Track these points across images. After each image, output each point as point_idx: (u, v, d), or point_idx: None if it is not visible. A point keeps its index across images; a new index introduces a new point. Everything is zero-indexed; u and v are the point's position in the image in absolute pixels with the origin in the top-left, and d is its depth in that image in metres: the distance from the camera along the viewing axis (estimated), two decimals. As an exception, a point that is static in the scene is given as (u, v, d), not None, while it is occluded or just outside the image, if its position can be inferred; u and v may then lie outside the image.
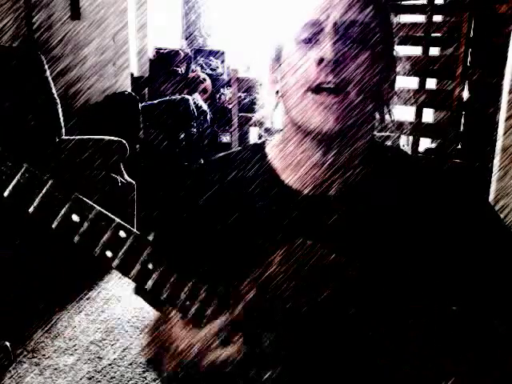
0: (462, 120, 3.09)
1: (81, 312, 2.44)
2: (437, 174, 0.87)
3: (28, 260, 2.32)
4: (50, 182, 0.63)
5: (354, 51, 0.76)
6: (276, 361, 0.71)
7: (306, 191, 0.83)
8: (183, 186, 0.91)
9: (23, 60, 2.93)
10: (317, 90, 0.76)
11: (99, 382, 1.97)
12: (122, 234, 0.65)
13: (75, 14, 3.59)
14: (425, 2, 3.11)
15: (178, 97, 3.98)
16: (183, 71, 4.38)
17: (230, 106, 3.63)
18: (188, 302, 0.68)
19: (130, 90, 3.74)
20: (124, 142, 2.94)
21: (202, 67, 4.59)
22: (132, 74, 3.88)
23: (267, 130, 0.91)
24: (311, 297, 0.72)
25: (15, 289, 2.27)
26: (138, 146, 3.54)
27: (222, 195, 0.85)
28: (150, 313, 2.44)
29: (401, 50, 0.86)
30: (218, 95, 4.55)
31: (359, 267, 0.72)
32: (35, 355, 2.10)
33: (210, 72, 4.57)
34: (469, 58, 2.97)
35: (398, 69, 0.85)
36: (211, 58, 4.64)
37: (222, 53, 4.65)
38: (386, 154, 0.87)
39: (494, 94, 2.51)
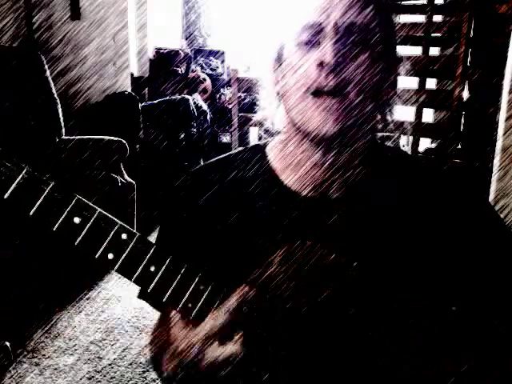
0: (462, 120, 3.09)
1: (81, 312, 2.44)
2: (437, 173, 0.87)
3: (28, 260, 2.32)
4: (50, 185, 0.62)
5: (354, 53, 0.75)
6: (276, 361, 0.71)
7: (305, 192, 0.83)
8: (183, 186, 0.91)
9: (23, 60, 2.93)
10: (316, 92, 0.76)
11: (99, 382, 1.97)
12: (124, 236, 0.65)
13: (75, 13, 3.59)
14: (425, 2, 3.11)
15: (177, 97, 3.98)
16: (183, 71, 4.38)
17: (229, 106, 3.63)
18: (190, 304, 0.68)
19: (129, 89, 3.74)
20: (124, 142, 2.94)
21: (202, 67, 4.59)
22: (132, 74, 3.88)
23: (267, 131, 0.91)
24: (311, 297, 0.72)
25: (15, 289, 2.27)
26: (137, 145, 3.54)
27: (222, 196, 0.85)
28: (150, 313, 2.45)
29: (401, 50, 0.85)
30: (217, 95, 4.55)
31: (359, 267, 0.72)
32: (35, 355, 2.10)
33: (210, 72, 4.58)
34: (469, 58, 2.97)
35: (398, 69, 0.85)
36: (211, 58, 4.64)
37: (222, 53, 4.66)
38: (386, 154, 0.87)
39: (494, 94, 2.51)
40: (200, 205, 0.85)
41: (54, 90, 3.05)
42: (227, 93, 4.44)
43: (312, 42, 0.77)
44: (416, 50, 3.16)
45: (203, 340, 0.67)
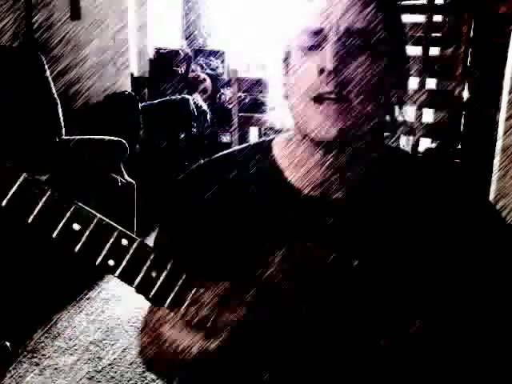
0: (462, 120, 3.09)
1: (81, 312, 2.44)
2: (437, 173, 0.87)
3: (28, 260, 2.32)
4: (49, 191, 0.61)
5: (357, 59, 0.74)
6: (276, 361, 0.71)
7: (309, 191, 0.83)
8: (185, 181, 0.90)
9: (23, 60, 2.93)
10: (318, 98, 0.75)
11: (99, 382, 1.97)
12: (125, 242, 0.64)
13: (75, 13, 3.59)
14: (425, 2, 3.11)
15: (178, 97, 3.98)
16: (183, 71, 4.38)
17: (230, 106, 3.63)
18: (192, 308, 0.67)
19: (130, 90, 3.74)
20: (124, 142, 2.94)
21: (202, 67, 4.59)
22: (132, 74, 3.88)
23: (270, 129, 0.91)
24: (312, 297, 0.72)
25: (15, 289, 2.27)
26: (137, 145, 3.54)
27: (224, 192, 0.84)
28: (150, 313, 2.40)
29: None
30: (218, 95, 4.55)
31: (360, 267, 0.72)
32: (35, 355, 2.10)
33: (210, 72, 4.58)
34: (469, 58, 2.97)
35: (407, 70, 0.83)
36: (211, 58, 4.64)
37: (222, 53, 4.65)
38: (389, 154, 0.87)
39: (494, 94, 2.51)
40: (202, 201, 0.84)
41: (53, 90, 3.05)
42: (227, 93, 4.44)
43: (314, 47, 0.76)
44: (416, 50, 3.16)
45: (201, 341, 0.67)
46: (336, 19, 0.75)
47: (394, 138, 0.86)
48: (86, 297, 2.57)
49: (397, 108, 0.83)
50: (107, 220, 0.64)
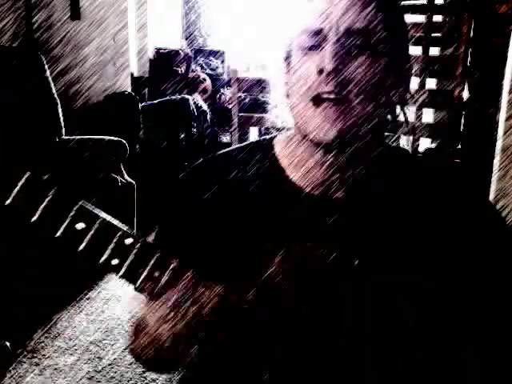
0: (462, 120, 3.09)
1: (81, 312, 2.44)
2: (437, 173, 0.87)
3: (28, 259, 2.32)
4: (53, 190, 0.61)
5: (357, 59, 0.74)
6: (276, 361, 0.71)
7: (309, 190, 0.83)
8: (187, 179, 0.90)
9: (23, 60, 2.93)
10: (317, 98, 0.75)
11: (99, 382, 1.97)
12: (128, 241, 0.64)
13: (75, 13, 3.59)
14: (425, 2, 3.11)
15: (178, 97, 3.98)
16: (183, 71, 4.38)
17: (230, 106, 3.63)
18: (195, 307, 0.67)
19: (130, 89, 3.74)
20: (124, 142, 2.94)
21: (202, 67, 4.59)
22: (132, 74, 3.88)
23: (271, 129, 0.91)
24: (312, 297, 0.72)
25: (15, 289, 2.27)
26: (137, 146, 3.54)
27: (226, 191, 0.84)
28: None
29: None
30: (218, 95, 4.55)
31: (360, 267, 0.72)
32: (35, 355, 2.10)
33: (210, 72, 4.57)
34: (469, 58, 2.97)
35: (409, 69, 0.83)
36: (211, 58, 4.64)
37: (222, 53, 4.65)
38: (389, 154, 0.87)
39: (494, 94, 2.51)
40: (203, 198, 0.84)
41: (54, 90, 3.05)
42: (227, 93, 4.44)
43: (314, 47, 0.76)
44: (416, 50, 3.16)
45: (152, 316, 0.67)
46: (336, 19, 0.74)
47: (394, 138, 0.86)
48: (86, 297, 2.57)
49: (398, 108, 0.83)
50: (111, 219, 0.64)
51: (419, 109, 2.99)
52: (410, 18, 3.30)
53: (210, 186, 0.84)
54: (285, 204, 0.82)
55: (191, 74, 4.44)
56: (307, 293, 0.72)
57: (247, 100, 3.52)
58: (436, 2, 3.11)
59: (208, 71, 4.57)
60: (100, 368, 2.04)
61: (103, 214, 0.64)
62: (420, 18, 3.19)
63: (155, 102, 3.89)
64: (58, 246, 0.63)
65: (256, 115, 3.04)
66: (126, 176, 2.97)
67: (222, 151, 0.92)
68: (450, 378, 0.74)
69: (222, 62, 4.65)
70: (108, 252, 0.63)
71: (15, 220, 0.61)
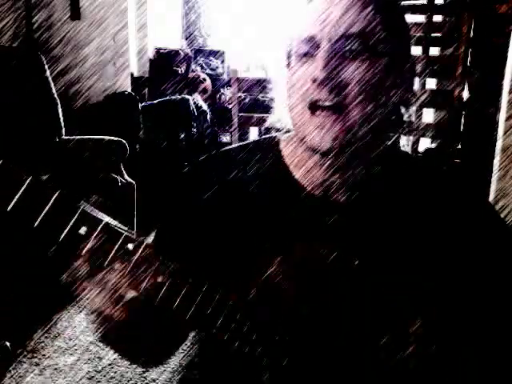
0: (462, 120, 3.09)
1: (81, 312, 2.43)
2: (437, 174, 0.87)
3: (28, 259, 2.32)
4: (55, 195, 0.60)
5: (351, 65, 0.73)
6: (276, 361, 0.71)
7: (312, 191, 0.82)
8: (189, 177, 0.90)
9: (23, 60, 2.93)
10: (313, 106, 0.75)
11: (99, 382, 1.97)
12: (130, 246, 0.64)
13: (75, 13, 3.59)
14: (425, 2, 3.12)
15: (178, 97, 3.98)
16: (183, 71, 4.38)
17: (230, 106, 3.63)
18: (199, 315, 0.67)
19: (130, 89, 3.74)
20: (124, 142, 2.94)
21: (202, 67, 4.59)
22: (132, 74, 3.88)
23: (269, 129, 0.91)
24: (312, 297, 0.72)
25: (15, 289, 2.27)
26: (137, 145, 3.54)
27: (228, 189, 0.84)
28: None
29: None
30: (218, 95, 4.55)
31: (361, 267, 0.72)
32: (35, 355, 2.10)
33: (210, 72, 4.57)
34: (469, 58, 2.97)
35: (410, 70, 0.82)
36: (211, 58, 4.64)
37: (222, 53, 4.65)
38: (388, 154, 0.87)
39: (494, 94, 2.51)
40: (205, 196, 0.84)
41: (54, 90, 3.05)
42: (227, 93, 4.44)
43: (308, 54, 0.76)
44: (416, 50, 3.16)
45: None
46: (328, 26, 0.74)
47: (394, 138, 0.86)
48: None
49: (402, 108, 0.83)
50: (113, 223, 0.64)
51: (419, 109, 2.99)
52: (409, 18, 3.30)
53: (211, 184, 0.84)
54: (285, 204, 0.82)
55: (191, 74, 4.44)
56: (307, 293, 0.72)
57: (247, 100, 3.52)
58: (436, 2, 3.12)
59: (208, 71, 4.57)
60: (100, 368, 2.04)
61: (106, 218, 0.63)
62: (420, 18, 3.19)
63: (155, 102, 3.89)
64: (60, 249, 0.63)
65: (256, 115, 3.04)
66: (125, 176, 2.97)
67: (224, 148, 0.91)
68: (450, 378, 0.74)
69: (222, 62, 4.65)
70: (110, 257, 0.63)
71: (17, 225, 0.61)
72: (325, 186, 0.82)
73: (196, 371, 0.86)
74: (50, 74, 3.05)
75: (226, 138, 4.39)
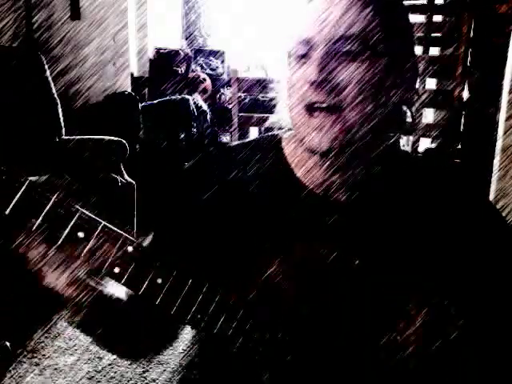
0: (462, 120, 3.09)
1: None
2: (437, 173, 0.87)
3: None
4: (53, 199, 0.60)
5: (347, 66, 0.73)
6: (276, 361, 0.71)
7: (312, 191, 0.82)
8: (189, 174, 0.90)
9: (23, 60, 2.93)
10: (311, 107, 0.75)
11: (99, 382, 1.97)
12: (130, 249, 0.63)
13: (75, 13, 3.59)
14: (425, 2, 3.12)
15: (178, 97, 3.98)
16: (183, 71, 4.38)
17: (230, 106, 3.63)
18: (199, 316, 0.67)
19: (130, 89, 3.74)
20: (124, 142, 2.94)
21: (202, 67, 4.59)
22: (132, 74, 3.88)
23: (269, 129, 0.90)
24: (312, 297, 0.72)
25: (15, 289, 2.27)
26: (137, 145, 3.54)
27: (228, 188, 0.84)
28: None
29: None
30: (218, 95, 4.55)
31: (361, 267, 0.72)
32: (35, 355, 2.10)
33: (210, 72, 4.57)
34: (469, 58, 2.97)
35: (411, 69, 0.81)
36: (211, 58, 4.64)
37: (222, 53, 4.65)
38: (388, 154, 0.87)
39: (494, 94, 2.51)
40: (204, 194, 0.83)
41: (54, 90, 3.05)
42: (227, 93, 4.44)
43: (304, 56, 0.76)
44: (416, 50, 3.15)
45: None
46: (323, 28, 0.74)
47: (394, 138, 0.86)
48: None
49: (403, 108, 0.83)
50: (112, 226, 0.63)
51: (419, 109, 2.99)
52: (410, 18, 3.30)
53: (211, 182, 0.84)
54: (286, 203, 0.82)
55: (191, 74, 4.44)
56: (307, 293, 0.72)
57: (247, 100, 3.53)
58: (436, 2, 3.12)
59: (208, 71, 4.57)
60: (100, 368, 2.04)
61: (104, 222, 0.63)
62: (420, 18, 3.19)
63: (155, 102, 3.89)
64: (59, 253, 0.63)
65: (256, 115, 3.04)
66: (125, 176, 2.97)
67: (225, 146, 0.91)
68: (450, 378, 0.74)
69: (222, 62, 4.65)
70: (109, 260, 0.63)
71: (16, 228, 0.60)
72: (325, 186, 0.82)
73: (196, 371, 0.86)
74: (50, 74, 3.05)
75: (225, 138, 4.39)
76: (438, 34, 3.21)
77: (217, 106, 4.45)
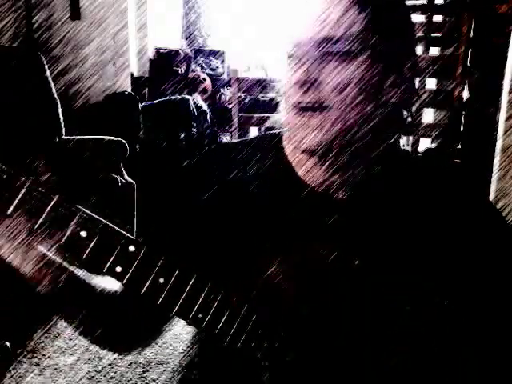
0: (462, 120, 3.09)
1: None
2: (437, 173, 0.87)
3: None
4: (54, 199, 0.60)
5: (337, 67, 0.73)
6: (276, 361, 0.71)
7: (312, 190, 0.82)
8: (189, 171, 0.90)
9: (23, 60, 2.93)
10: (299, 107, 0.75)
11: (99, 382, 1.97)
12: (132, 248, 0.63)
13: (75, 13, 3.59)
14: (425, 2, 3.12)
15: (178, 97, 3.98)
16: (183, 71, 4.38)
17: (230, 106, 3.63)
18: (200, 315, 0.67)
19: (129, 89, 3.74)
20: (124, 142, 2.94)
21: (202, 67, 4.59)
22: (132, 74, 3.88)
23: (269, 129, 0.90)
24: (312, 297, 0.72)
25: (15, 289, 2.27)
26: (137, 145, 3.54)
27: (228, 188, 0.83)
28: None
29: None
30: (218, 95, 4.55)
31: (361, 267, 0.72)
32: (35, 355, 2.10)
33: (210, 72, 4.57)
34: (469, 58, 2.97)
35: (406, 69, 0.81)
36: (211, 58, 4.64)
37: (222, 53, 4.65)
38: (388, 154, 0.87)
39: (494, 94, 2.52)
40: (203, 193, 0.83)
41: (54, 90, 3.05)
42: (227, 93, 4.44)
43: (293, 56, 0.76)
44: (416, 50, 3.15)
45: None
46: (313, 29, 0.74)
47: (393, 138, 0.86)
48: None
49: (405, 108, 0.82)
50: (113, 226, 0.63)
51: (419, 109, 2.99)
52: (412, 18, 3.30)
53: (211, 180, 0.84)
54: (286, 202, 0.82)
55: (191, 74, 4.44)
56: (307, 293, 0.72)
57: (247, 100, 3.53)
58: (436, 2, 3.12)
59: (208, 71, 4.57)
60: (100, 368, 2.04)
61: (105, 221, 0.63)
62: (420, 18, 3.19)
63: (155, 102, 3.89)
64: (60, 254, 0.62)
65: (256, 115, 3.04)
66: (125, 176, 2.96)
67: (226, 143, 0.91)
68: (450, 378, 0.74)
69: (222, 62, 4.65)
70: (111, 260, 0.63)
71: (17, 229, 0.60)
72: (325, 186, 0.82)
73: (196, 371, 0.86)
74: (50, 74, 3.05)
75: (226, 138, 4.39)
76: (438, 34, 3.21)
77: (217, 105, 4.45)
